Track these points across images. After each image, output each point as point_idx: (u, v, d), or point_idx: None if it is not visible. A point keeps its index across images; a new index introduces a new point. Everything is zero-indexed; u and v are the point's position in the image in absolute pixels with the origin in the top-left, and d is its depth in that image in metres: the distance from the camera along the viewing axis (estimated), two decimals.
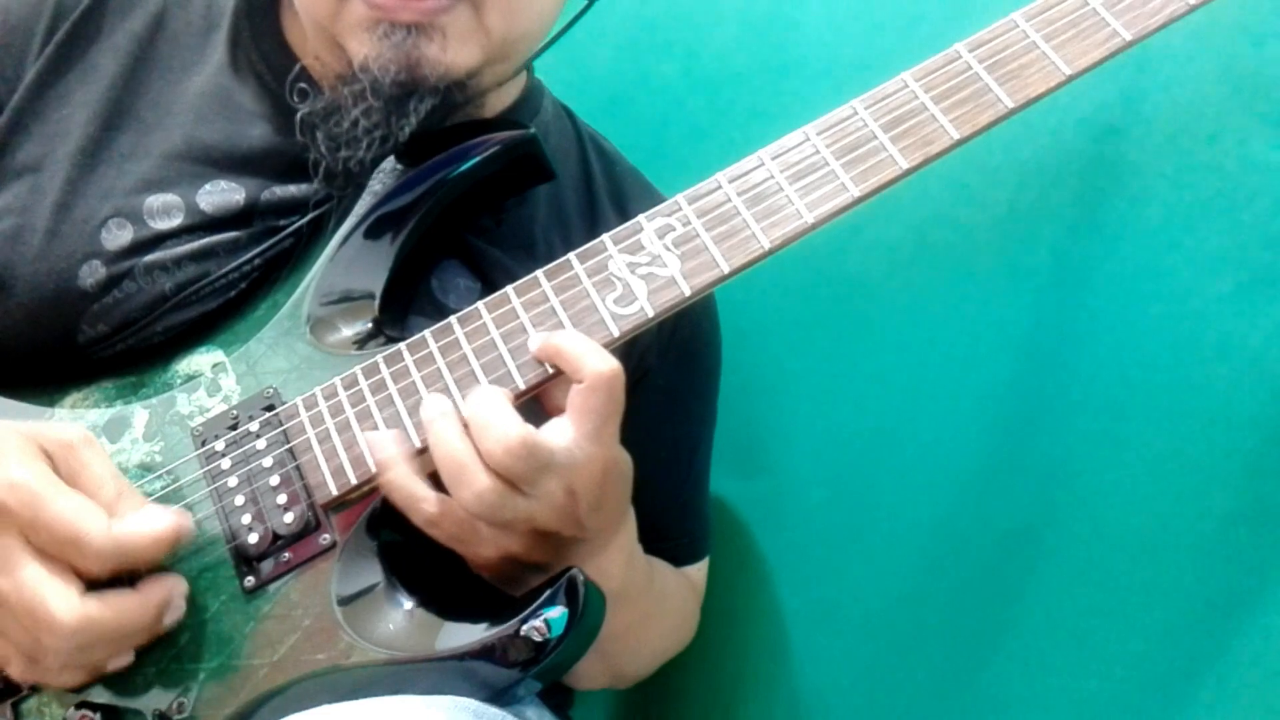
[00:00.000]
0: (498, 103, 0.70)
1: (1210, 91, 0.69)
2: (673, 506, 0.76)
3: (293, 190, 0.64)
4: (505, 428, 0.51)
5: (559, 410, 0.54)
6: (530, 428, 0.52)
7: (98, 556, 0.50)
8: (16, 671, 0.52)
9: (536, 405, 0.57)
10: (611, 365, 0.53)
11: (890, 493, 0.79)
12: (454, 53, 0.60)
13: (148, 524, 0.51)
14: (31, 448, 0.52)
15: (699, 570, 0.79)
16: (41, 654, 0.51)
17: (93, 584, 0.51)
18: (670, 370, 0.73)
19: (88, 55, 0.65)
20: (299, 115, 0.63)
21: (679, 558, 0.77)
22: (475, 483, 0.52)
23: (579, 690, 0.78)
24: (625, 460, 0.56)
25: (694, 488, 0.79)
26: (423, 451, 0.55)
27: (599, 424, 0.53)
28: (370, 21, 0.59)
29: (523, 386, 0.55)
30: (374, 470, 0.55)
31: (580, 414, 0.52)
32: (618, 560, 0.59)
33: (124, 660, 0.54)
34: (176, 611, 0.54)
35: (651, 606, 0.69)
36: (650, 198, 0.74)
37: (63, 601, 0.49)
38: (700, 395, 0.78)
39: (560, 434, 0.52)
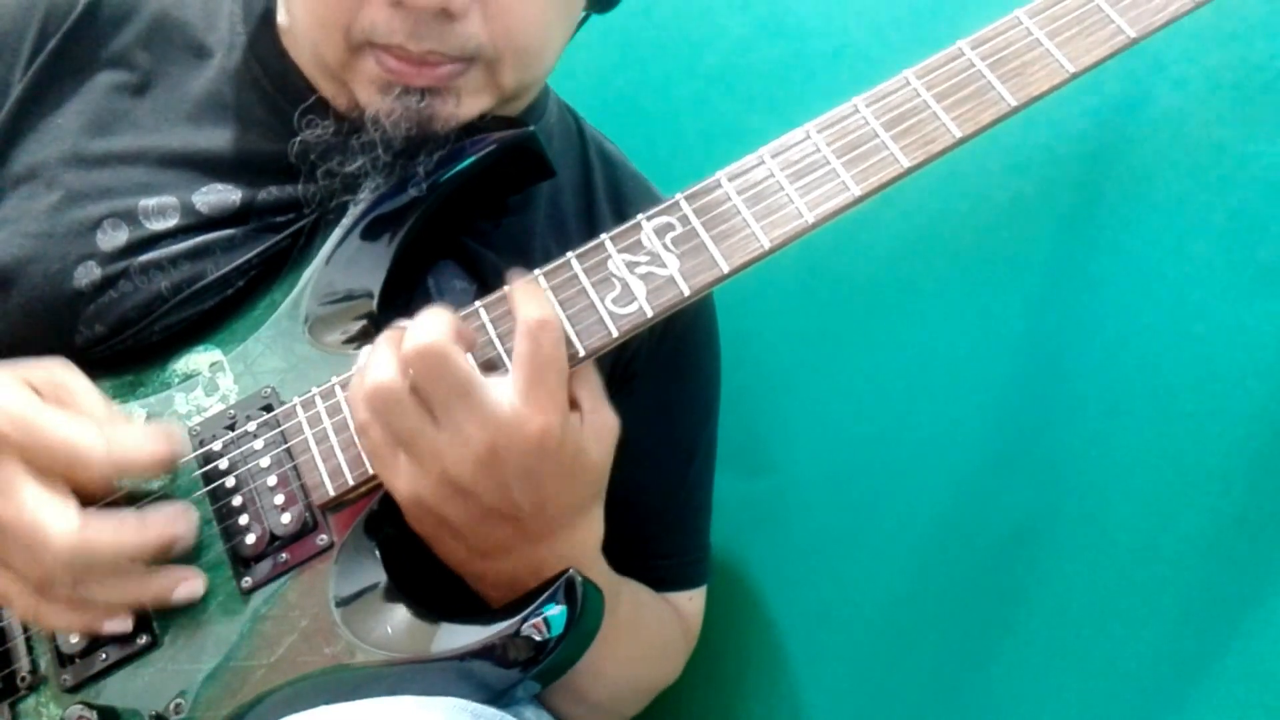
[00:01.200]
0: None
1: (1213, 90, 0.68)
2: (661, 522, 0.73)
3: (290, 190, 0.64)
4: (428, 331, 0.50)
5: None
6: (457, 350, 0.50)
7: (98, 467, 0.51)
8: (20, 607, 0.53)
9: None
10: (538, 314, 0.51)
11: (891, 493, 0.79)
12: (467, 107, 0.61)
13: (143, 434, 0.53)
14: (16, 381, 0.53)
15: (691, 600, 0.75)
16: (44, 581, 0.51)
17: None
18: (659, 376, 0.71)
19: (82, 63, 0.65)
20: (296, 141, 0.62)
21: (666, 581, 0.73)
22: (380, 371, 0.50)
23: None
24: (576, 445, 0.53)
25: (687, 506, 0.75)
26: None
27: (529, 376, 0.50)
28: (383, 82, 0.59)
29: None
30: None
31: (513, 362, 0.51)
32: (564, 561, 0.54)
33: (122, 624, 0.54)
34: (186, 540, 0.54)
35: (612, 629, 0.58)
36: (651, 200, 0.72)
37: (61, 519, 0.50)
38: (692, 406, 0.75)
39: (491, 378, 0.51)
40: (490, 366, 0.55)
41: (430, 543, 0.55)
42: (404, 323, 0.53)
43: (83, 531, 0.50)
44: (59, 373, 0.55)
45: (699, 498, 0.76)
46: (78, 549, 0.50)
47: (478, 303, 0.57)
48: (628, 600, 0.65)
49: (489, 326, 0.56)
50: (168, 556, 0.54)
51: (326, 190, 0.62)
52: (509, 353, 0.55)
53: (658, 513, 0.73)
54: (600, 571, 0.60)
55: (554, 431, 0.51)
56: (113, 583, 0.53)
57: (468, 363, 0.50)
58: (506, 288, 0.54)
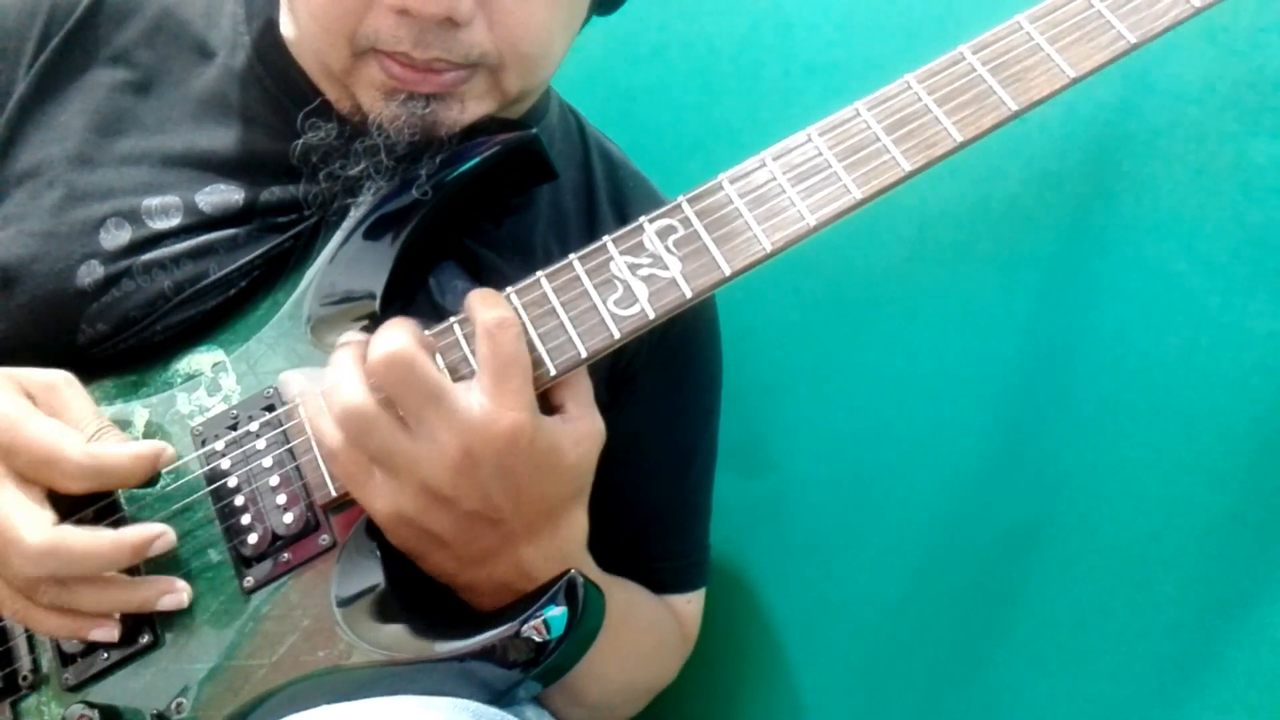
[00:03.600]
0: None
1: (1213, 94, 0.68)
2: (659, 524, 0.73)
3: (292, 190, 0.64)
4: (392, 340, 0.50)
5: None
6: (425, 355, 0.50)
7: (75, 473, 0.51)
8: (9, 609, 0.53)
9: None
10: (494, 315, 0.51)
11: (890, 493, 0.79)
12: (471, 112, 0.61)
13: (128, 446, 0.53)
14: (11, 385, 0.53)
15: (689, 603, 0.74)
16: (26, 585, 0.51)
17: None
18: (658, 378, 0.71)
19: (84, 62, 0.65)
20: (299, 144, 0.62)
21: (665, 584, 0.73)
22: (349, 392, 0.50)
23: None
24: (549, 442, 0.52)
25: (685, 508, 0.75)
26: None
27: (493, 377, 0.50)
28: (387, 88, 0.59)
29: None
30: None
31: (478, 365, 0.51)
32: (550, 561, 0.55)
33: (108, 631, 0.53)
34: (165, 546, 0.53)
35: (606, 628, 0.58)
36: (653, 202, 0.72)
37: (32, 524, 0.50)
38: (692, 407, 0.75)
39: (457, 383, 0.51)
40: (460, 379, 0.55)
41: (417, 559, 0.55)
42: (349, 336, 0.54)
43: (55, 535, 0.50)
44: (56, 380, 0.55)
45: (698, 500, 0.76)
46: (48, 553, 0.50)
47: (452, 319, 0.56)
48: (620, 599, 0.65)
49: (462, 343, 0.56)
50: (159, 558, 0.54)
51: (328, 192, 0.62)
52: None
53: (656, 515, 0.73)
54: (589, 570, 0.60)
55: (524, 428, 0.50)
56: (95, 590, 0.53)
57: (435, 367, 0.50)
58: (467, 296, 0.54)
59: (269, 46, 0.66)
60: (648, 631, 0.71)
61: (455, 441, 0.50)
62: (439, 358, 0.54)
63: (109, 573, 0.53)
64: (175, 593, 0.54)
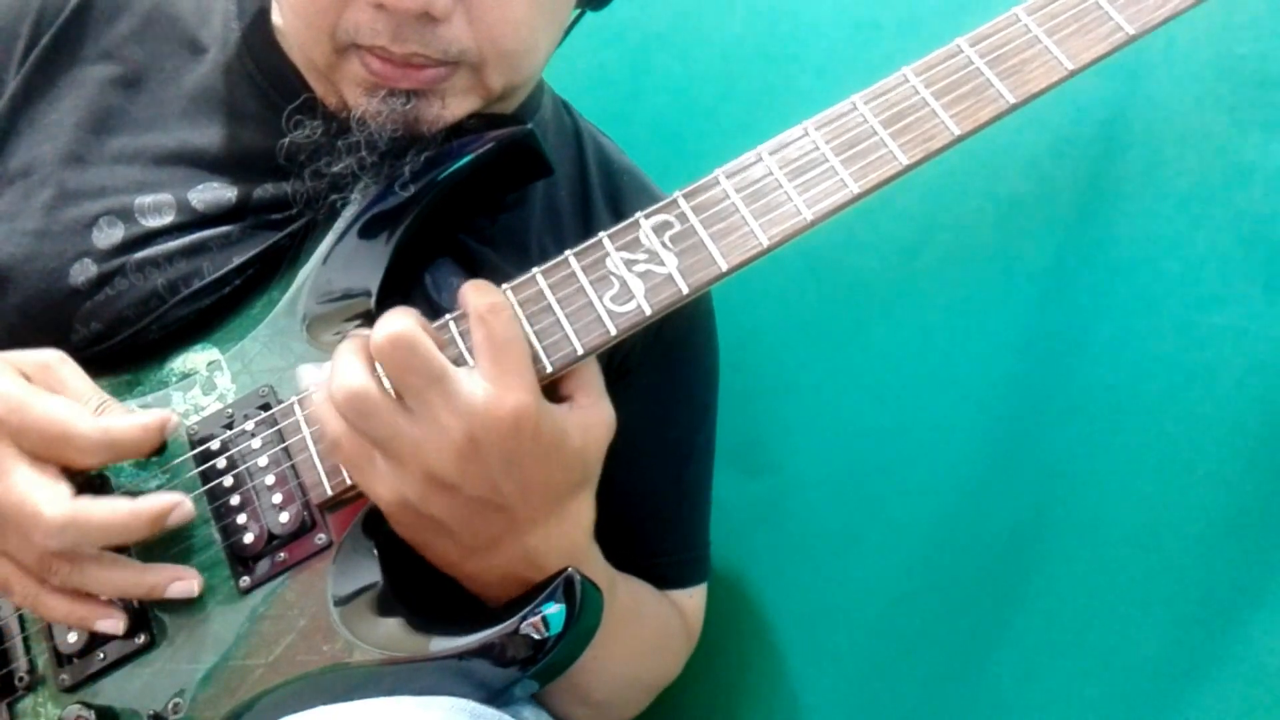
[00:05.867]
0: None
1: (1213, 88, 0.68)
2: (659, 520, 0.73)
3: (285, 186, 0.64)
4: (394, 322, 0.50)
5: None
6: (427, 338, 0.50)
7: (88, 447, 0.52)
8: (19, 594, 0.53)
9: None
10: (485, 300, 0.51)
11: (891, 493, 0.79)
12: (453, 109, 0.60)
13: (135, 417, 0.54)
14: (8, 368, 0.53)
15: (692, 597, 0.75)
16: (40, 564, 0.51)
17: None
18: (654, 373, 0.70)
19: (75, 59, 0.65)
20: (285, 142, 0.62)
21: (667, 579, 0.73)
22: (350, 376, 0.50)
23: None
24: (555, 428, 0.52)
25: (684, 503, 0.75)
26: None
27: (493, 361, 0.50)
28: (369, 84, 0.59)
29: None
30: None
31: (475, 352, 0.51)
32: (557, 550, 0.54)
33: (115, 623, 0.54)
34: (180, 522, 0.54)
35: (614, 622, 0.59)
36: (648, 197, 0.73)
37: (52, 497, 0.50)
38: (689, 402, 0.75)
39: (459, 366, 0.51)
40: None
41: (421, 548, 0.55)
42: (356, 331, 0.54)
43: (74, 507, 0.51)
44: (51, 359, 0.55)
45: (697, 495, 0.76)
46: (68, 524, 0.50)
47: (447, 316, 0.56)
48: (624, 594, 0.65)
49: (458, 339, 0.55)
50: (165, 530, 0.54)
51: (314, 190, 0.62)
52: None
53: (655, 510, 0.73)
54: (595, 561, 0.59)
55: (528, 412, 0.50)
56: (108, 572, 0.53)
57: (437, 350, 0.50)
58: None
59: (260, 41, 0.66)
60: (652, 627, 0.71)
61: (459, 425, 0.49)
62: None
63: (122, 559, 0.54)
64: (185, 580, 0.54)
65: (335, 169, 0.60)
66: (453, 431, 0.49)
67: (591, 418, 0.54)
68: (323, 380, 0.53)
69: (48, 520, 0.50)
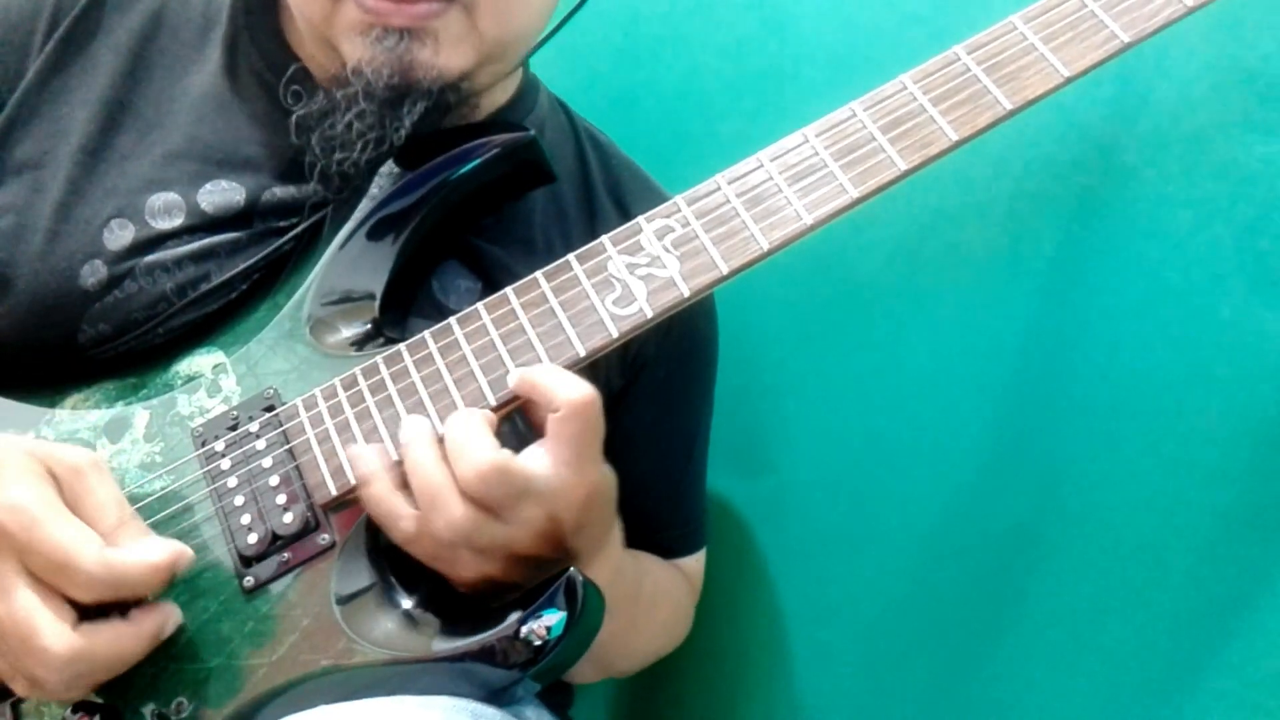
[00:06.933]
0: (493, 100, 0.70)
1: (1208, 92, 0.69)
2: (669, 498, 0.76)
3: (293, 191, 0.65)
4: (480, 452, 0.51)
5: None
6: (507, 453, 0.51)
7: (89, 583, 0.49)
8: (21, 689, 0.52)
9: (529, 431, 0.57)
10: (585, 392, 0.52)
11: (891, 492, 0.79)
12: (446, 56, 0.61)
13: (144, 552, 0.51)
14: (38, 469, 0.51)
15: (696, 561, 0.79)
16: (39, 680, 0.50)
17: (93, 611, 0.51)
18: (668, 362, 0.73)
19: (88, 52, 0.65)
20: (294, 117, 0.63)
21: (675, 549, 0.77)
22: (449, 509, 0.51)
23: (576, 685, 0.79)
24: (608, 480, 0.55)
25: (691, 479, 0.79)
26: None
27: (577, 451, 0.52)
28: (363, 25, 0.59)
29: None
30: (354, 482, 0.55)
31: (557, 442, 0.52)
32: (603, 574, 0.57)
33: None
34: (176, 623, 0.54)
35: (640, 614, 0.68)
36: (647, 190, 0.74)
37: (55, 632, 0.49)
38: (697, 387, 0.78)
39: (537, 461, 0.52)
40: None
41: (447, 575, 0.56)
42: (417, 423, 0.54)
43: (76, 643, 0.49)
44: (84, 464, 0.52)
45: (697, 470, 0.80)
46: (71, 661, 0.49)
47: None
48: (648, 582, 0.70)
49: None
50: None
51: (327, 160, 0.62)
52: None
53: (665, 493, 0.76)
54: (627, 567, 0.63)
55: (600, 487, 0.54)
56: (109, 674, 0.52)
57: (519, 465, 0.51)
58: (530, 375, 0.54)
59: (266, 36, 0.67)
60: (671, 603, 0.76)
61: (541, 514, 0.52)
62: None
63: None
64: (169, 619, 0.54)
65: (338, 128, 0.61)
66: (536, 520, 0.52)
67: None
68: (380, 471, 0.54)
69: (53, 656, 0.49)
